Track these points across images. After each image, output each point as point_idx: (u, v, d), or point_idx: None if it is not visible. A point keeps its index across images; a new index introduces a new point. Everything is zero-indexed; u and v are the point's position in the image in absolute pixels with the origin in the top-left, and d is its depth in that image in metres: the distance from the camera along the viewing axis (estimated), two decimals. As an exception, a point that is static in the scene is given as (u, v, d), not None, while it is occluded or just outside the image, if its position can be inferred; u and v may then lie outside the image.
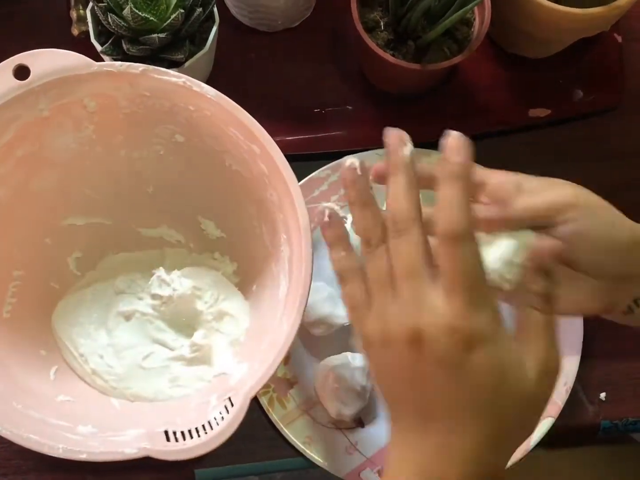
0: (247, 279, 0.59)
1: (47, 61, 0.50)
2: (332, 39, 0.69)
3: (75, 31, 0.65)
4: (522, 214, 0.43)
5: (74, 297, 0.60)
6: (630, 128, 0.70)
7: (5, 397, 0.48)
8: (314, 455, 0.58)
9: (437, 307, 0.36)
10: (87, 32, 0.58)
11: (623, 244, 0.44)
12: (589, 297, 0.45)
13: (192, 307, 0.58)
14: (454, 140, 0.40)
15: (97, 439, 0.48)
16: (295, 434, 0.58)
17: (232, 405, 0.46)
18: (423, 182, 0.40)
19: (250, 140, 0.51)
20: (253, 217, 0.56)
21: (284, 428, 0.58)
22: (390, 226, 0.38)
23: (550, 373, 0.39)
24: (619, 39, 0.70)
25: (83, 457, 0.45)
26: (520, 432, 0.39)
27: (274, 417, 0.58)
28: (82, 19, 0.65)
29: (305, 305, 0.47)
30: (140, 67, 0.50)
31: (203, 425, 0.46)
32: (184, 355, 0.57)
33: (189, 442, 0.45)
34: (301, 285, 0.48)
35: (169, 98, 0.52)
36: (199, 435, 0.45)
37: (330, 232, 0.42)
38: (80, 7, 0.65)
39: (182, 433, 0.46)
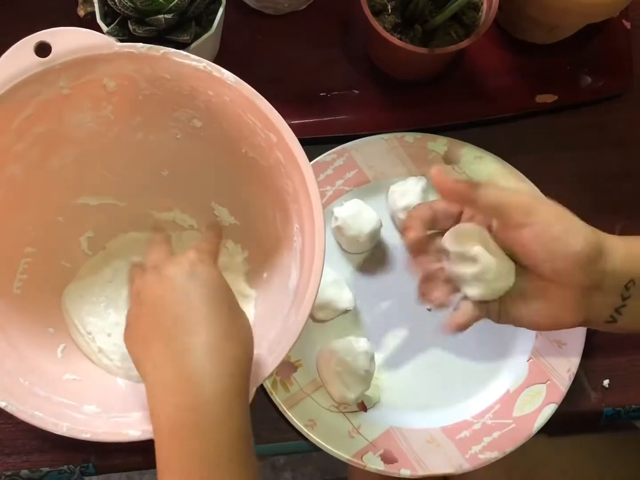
0: (257, 267, 0.59)
1: (68, 39, 0.50)
2: (338, 22, 0.68)
3: (81, 12, 0.65)
4: (486, 202, 0.46)
5: (88, 276, 0.60)
6: (637, 115, 0.70)
7: (12, 373, 0.48)
8: (317, 438, 0.58)
9: None
10: (93, 13, 0.58)
11: (578, 253, 0.44)
12: (564, 308, 0.46)
13: None
14: None
15: (101, 419, 0.48)
16: (298, 416, 0.58)
17: (238, 392, 0.46)
18: None
19: (268, 129, 0.51)
20: (267, 205, 0.56)
21: (286, 411, 0.58)
22: None
23: None
24: (628, 25, 0.69)
25: (87, 436, 0.45)
26: None
27: (277, 399, 0.58)
28: (88, 0, 0.65)
29: (315, 298, 0.47)
30: (161, 49, 0.50)
31: (208, 411, 0.46)
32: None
33: (192, 427, 0.45)
34: (312, 278, 0.48)
35: (189, 82, 0.52)
36: (203, 421, 0.46)
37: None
38: None
39: (187, 417, 0.46)
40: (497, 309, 0.48)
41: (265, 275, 0.58)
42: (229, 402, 0.41)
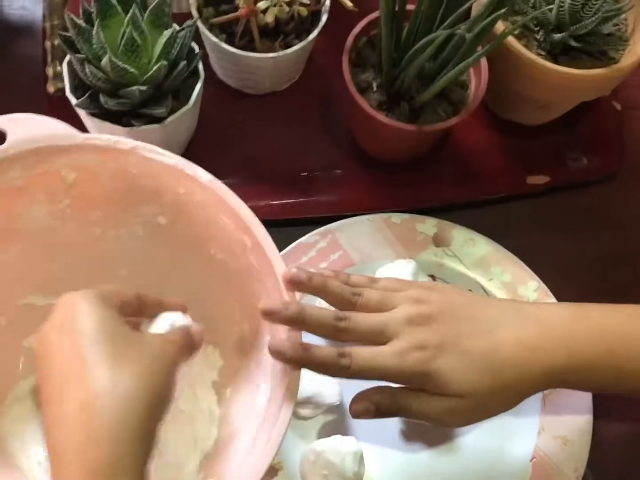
0: (220, 382, 0.54)
1: (26, 127, 0.46)
2: (320, 102, 0.68)
3: (51, 88, 0.62)
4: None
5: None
6: (630, 196, 0.69)
7: None
8: None
9: None
10: (64, 89, 0.55)
11: None
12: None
13: None
14: None
15: None
16: (280, 530, 0.52)
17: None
18: None
19: (242, 231, 0.47)
20: (235, 313, 0.52)
21: (267, 523, 0.52)
22: None
23: None
24: (618, 106, 0.70)
25: None
26: None
27: (256, 508, 0.52)
28: (58, 76, 0.62)
29: (289, 422, 0.42)
30: (130, 143, 0.46)
31: None
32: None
33: None
34: (286, 398, 0.43)
35: (157, 178, 0.48)
36: None
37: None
38: (57, 64, 0.62)
39: None
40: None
41: (228, 391, 0.53)
42: None
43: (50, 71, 0.63)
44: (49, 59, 0.63)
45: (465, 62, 0.52)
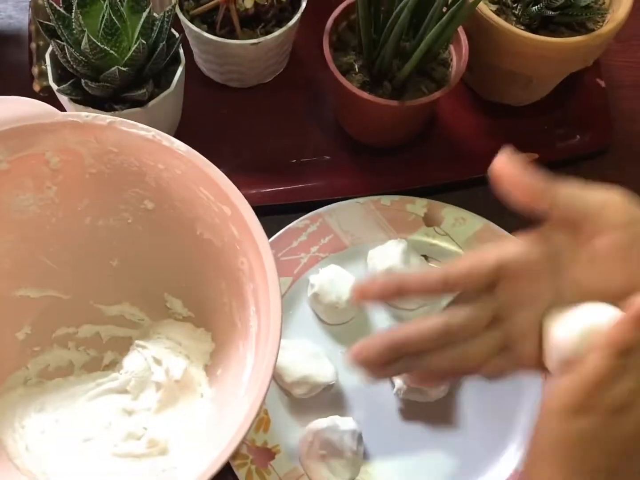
0: (212, 363, 0.53)
1: (7, 108, 0.47)
2: (306, 92, 0.68)
3: (36, 87, 0.64)
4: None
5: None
6: (620, 174, 0.66)
7: None
8: (300, 536, 0.50)
9: None
10: (49, 87, 0.56)
11: None
12: None
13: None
14: None
15: None
16: (278, 512, 0.51)
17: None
18: None
19: (221, 201, 0.47)
20: (223, 292, 0.51)
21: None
22: None
23: None
24: (602, 83, 0.70)
25: None
26: None
27: (254, 493, 0.51)
28: (43, 74, 0.63)
29: (270, 381, 0.41)
30: (107, 118, 0.47)
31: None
32: (132, 452, 0.50)
33: None
34: (265, 360, 0.42)
35: (138, 155, 0.48)
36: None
37: None
38: (42, 63, 0.63)
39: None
40: None
41: (219, 371, 0.52)
42: None
43: (35, 70, 0.64)
44: (35, 59, 0.64)
45: (438, 24, 0.52)
